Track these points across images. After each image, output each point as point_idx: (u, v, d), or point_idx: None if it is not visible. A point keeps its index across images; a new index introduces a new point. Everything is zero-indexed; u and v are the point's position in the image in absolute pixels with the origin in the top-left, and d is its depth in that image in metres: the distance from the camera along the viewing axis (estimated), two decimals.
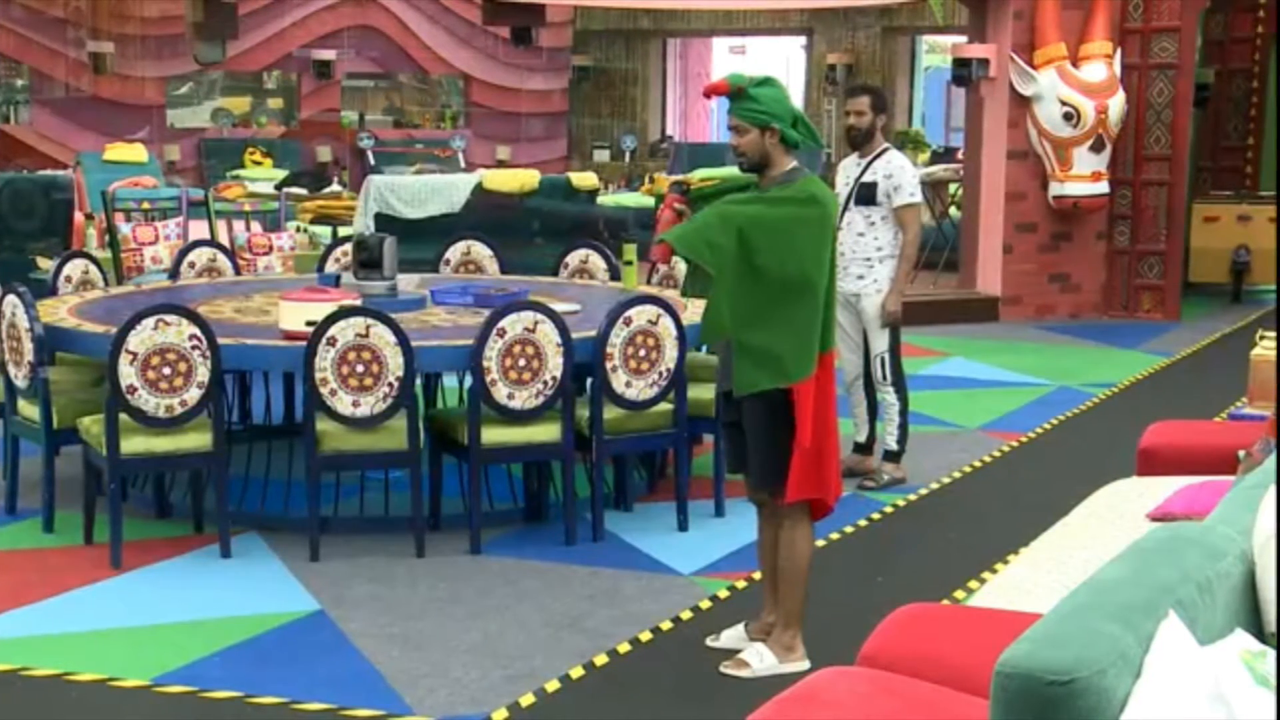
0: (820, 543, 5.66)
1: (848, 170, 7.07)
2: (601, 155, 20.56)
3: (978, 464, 7.54)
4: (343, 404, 5.72)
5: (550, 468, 6.37)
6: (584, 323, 6.23)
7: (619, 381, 6.03)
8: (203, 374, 5.71)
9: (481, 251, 8.12)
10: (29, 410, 6.23)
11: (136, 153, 14.86)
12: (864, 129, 6.92)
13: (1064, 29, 11.92)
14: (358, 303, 5.95)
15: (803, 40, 21.00)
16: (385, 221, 11.00)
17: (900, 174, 6.87)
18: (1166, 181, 12.39)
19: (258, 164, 17.95)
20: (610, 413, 6.09)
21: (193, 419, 5.76)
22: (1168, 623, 2.54)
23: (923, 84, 21.36)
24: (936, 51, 22.87)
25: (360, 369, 5.70)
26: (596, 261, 7.96)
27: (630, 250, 7.25)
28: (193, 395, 5.72)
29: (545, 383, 5.90)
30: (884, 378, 7.02)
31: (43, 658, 4.81)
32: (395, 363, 5.72)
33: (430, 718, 4.39)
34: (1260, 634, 2.87)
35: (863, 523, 6.44)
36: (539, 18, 17.46)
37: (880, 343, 6.99)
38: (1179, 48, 12.21)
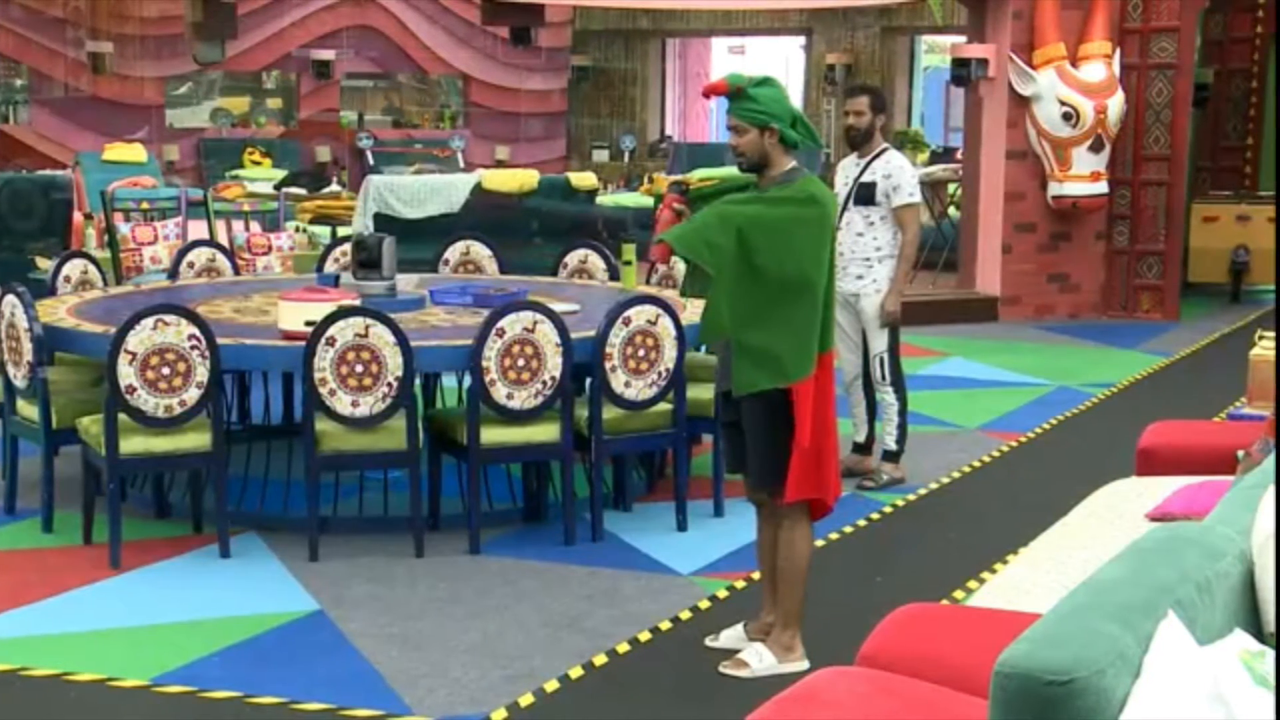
0: (819, 543, 5.66)
1: (847, 170, 7.07)
2: (600, 155, 20.56)
3: (977, 464, 7.54)
4: (342, 404, 5.72)
5: (549, 468, 6.37)
6: (583, 323, 6.23)
7: (618, 381, 6.03)
8: (202, 374, 5.71)
9: (480, 251, 8.12)
10: (28, 410, 6.23)
11: (135, 153, 14.86)
12: (863, 129, 6.92)
13: (1063, 29, 11.92)
14: (357, 303, 5.95)
15: (802, 40, 21.00)
16: (384, 221, 10.99)
17: (899, 174, 6.87)
18: (1165, 181, 12.39)
19: (257, 164, 17.95)
20: (609, 413, 6.09)
21: (192, 419, 5.76)
22: (1167, 623, 2.55)
23: (922, 84, 21.37)
24: (935, 51, 22.88)
25: (359, 369, 5.70)
26: (595, 261, 7.96)
27: (629, 250, 7.25)
28: (192, 395, 5.72)
29: (544, 383, 5.90)
30: (883, 378, 7.03)
31: (42, 658, 4.81)
32: (394, 363, 5.72)
33: (429, 718, 4.39)
34: (1259, 634, 2.87)
35: (862, 523, 6.44)
36: (538, 18, 17.46)
37: (879, 343, 6.99)
38: (1178, 48, 12.21)
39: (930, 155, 16.81)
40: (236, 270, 8.10)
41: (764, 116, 4.58)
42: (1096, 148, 11.90)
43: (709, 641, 4.97)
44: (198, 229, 9.91)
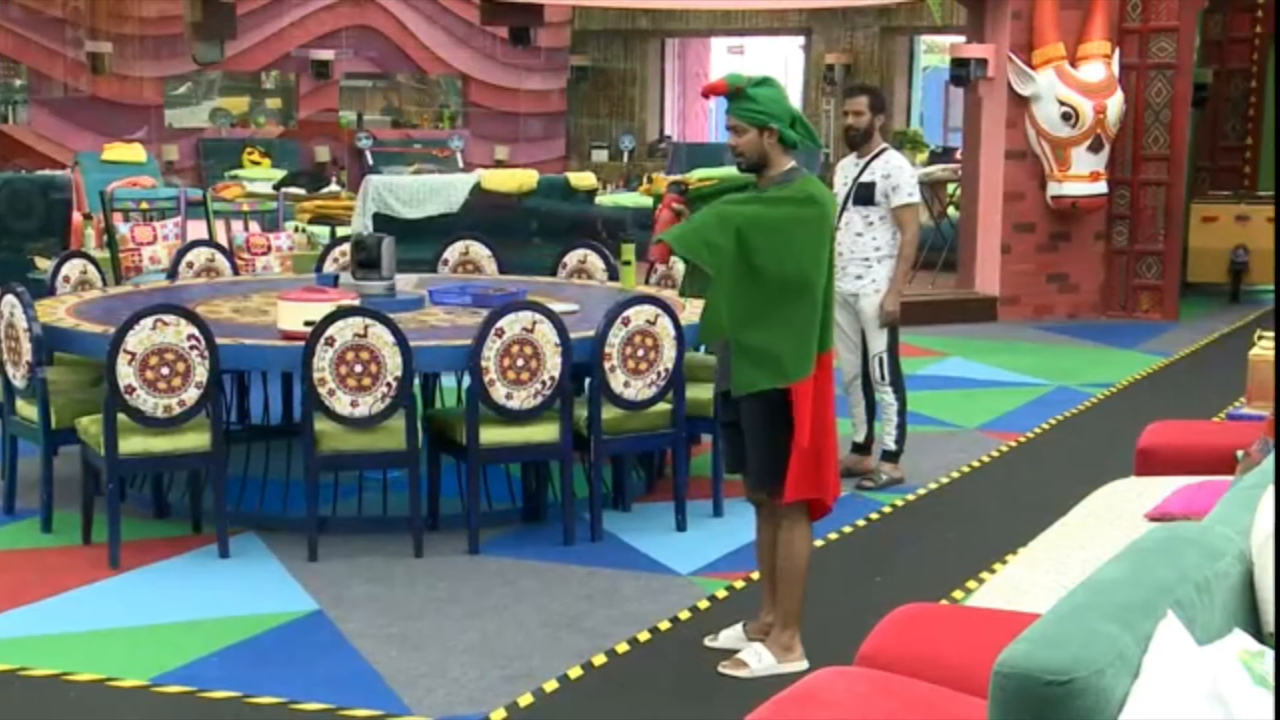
0: (818, 543, 5.66)
1: (846, 170, 7.07)
2: (600, 155, 20.56)
3: (976, 464, 7.54)
4: (341, 404, 5.72)
5: (548, 468, 6.37)
6: (582, 323, 6.23)
7: (617, 381, 6.03)
8: (201, 374, 5.71)
9: (480, 251, 8.12)
10: (27, 410, 6.23)
11: (135, 153, 14.86)
12: (862, 129, 6.92)
13: (1062, 29, 11.92)
14: (356, 303, 5.95)
15: (801, 40, 21.01)
16: (383, 221, 10.99)
17: (898, 174, 6.87)
18: (1165, 181, 12.39)
19: (256, 164, 17.95)
20: (608, 413, 6.09)
21: (191, 419, 5.75)
22: (1166, 623, 2.55)
23: (921, 84, 21.38)
24: (935, 51, 22.89)
25: (358, 369, 5.70)
26: (595, 261, 7.96)
27: (628, 250, 7.25)
28: (191, 395, 5.71)
29: (543, 383, 5.90)
30: (882, 378, 7.03)
31: (41, 658, 4.81)
32: (393, 363, 5.72)
33: (428, 718, 4.39)
34: (1258, 634, 2.87)
35: (861, 523, 6.44)
36: (537, 18, 17.46)
37: (878, 343, 6.99)
38: (1177, 48, 12.21)
39: (929, 155, 16.81)
40: (236, 270, 8.10)
41: (763, 116, 4.58)
42: (1096, 148, 11.90)
43: (708, 641, 4.97)
44: (197, 229, 9.90)
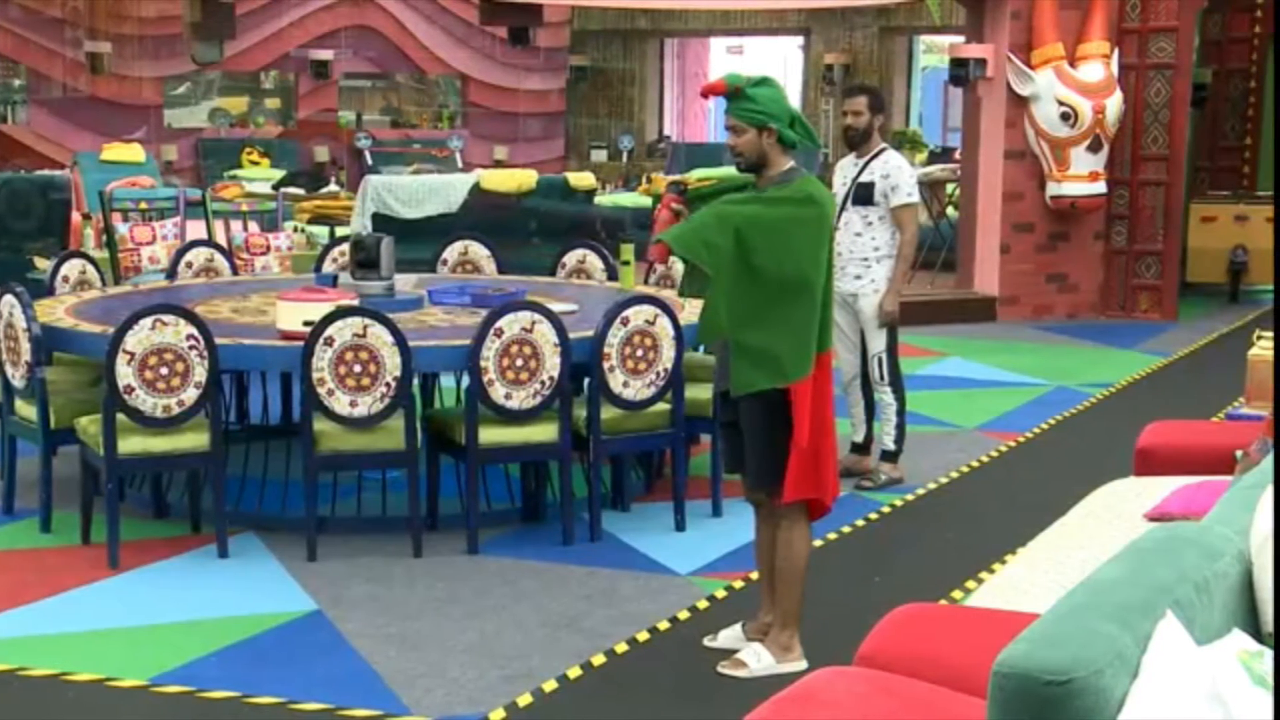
0: (818, 543, 5.66)
1: (845, 170, 7.07)
2: (599, 155, 20.56)
3: (975, 464, 7.54)
4: (340, 404, 5.72)
5: (548, 468, 6.37)
6: (581, 323, 6.23)
7: (616, 381, 6.03)
8: (200, 374, 5.71)
9: (479, 251, 8.12)
10: (26, 410, 6.23)
11: (134, 153, 14.85)
12: (861, 129, 6.92)
13: (1061, 29, 11.92)
14: (355, 303, 5.95)
15: (800, 40, 21.01)
16: (382, 221, 10.98)
17: (898, 174, 6.87)
18: (1164, 181, 12.40)
19: (255, 164, 17.94)
20: (608, 413, 6.09)
21: (190, 419, 5.75)
22: (1165, 623, 2.55)
23: (920, 84, 21.38)
24: (934, 51, 22.90)
25: (357, 369, 5.70)
26: (594, 261, 7.96)
27: (627, 250, 7.25)
28: (190, 395, 5.71)
29: (542, 383, 5.90)
30: (881, 378, 7.03)
31: (40, 658, 4.81)
32: (392, 363, 5.72)
33: (427, 718, 4.39)
34: (1257, 634, 2.87)
35: (860, 523, 6.44)
36: (536, 18, 17.47)
37: (878, 343, 6.99)
38: (1176, 48, 12.22)
39: (928, 155, 16.82)
40: (235, 270, 8.10)
41: (762, 116, 4.58)
42: (1095, 148, 11.91)
43: (707, 641, 4.97)
44: (196, 229, 9.90)
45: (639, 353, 6.04)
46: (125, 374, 5.62)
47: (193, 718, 4.45)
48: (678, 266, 7.32)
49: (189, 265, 7.91)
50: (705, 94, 4.95)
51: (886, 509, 6.70)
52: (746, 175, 4.76)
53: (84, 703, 4.52)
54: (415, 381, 6.10)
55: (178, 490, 6.50)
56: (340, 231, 10.99)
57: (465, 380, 6.08)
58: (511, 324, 5.84)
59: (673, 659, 4.88)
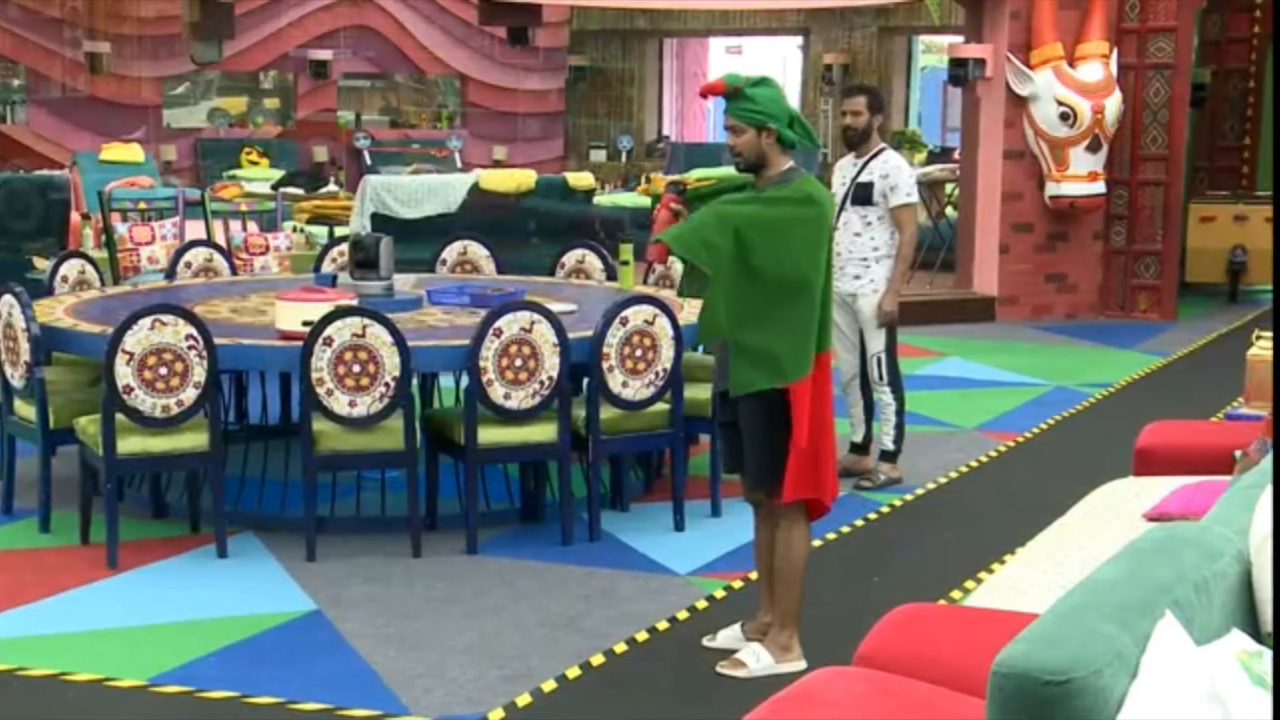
0: (817, 543, 5.66)
1: (844, 170, 7.07)
2: (598, 155, 20.57)
3: (974, 464, 7.54)
4: (339, 404, 5.72)
5: (547, 468, 6.37)
6: (580, 323, 6.23)
7: (615, 381, 6.03)
8: (199, 374, 5.71)
9: (478, 251, 8.12)
10: (25, 410, 6.23)
11: (133, 153, 14.85)
12: (860, 129, 6.92)
13: (1060, 29, 11.93)
14: (354, 303, 5.95)
15: (799, 40, 21.01)
16: (382, 221, 10.99)
17: (897, 174, 6.87)
18: (1163, 181, 12.40)
19: (254, 164, 17.94)
20: (607, 413, 6.09)
21: (189, 419, 5.75)
22: (1164, 623, 2.55)
23: (919, 84, 21.39)
24: (933, 51, 22.90)
25: (356, 369, 5.70)
26: (593, 261, 7.97)
27: (627, 250, 7.25)
28: (189, 395, 5.71)
29: (542, 383, 5.90)
30: (880, 378, 7.03)
31: (39, 658, 4.81)
32: (391, 363, 5.72)
33: (426, 718, 4.39)
34: (1257, 634, 2.87)
35: (859, 523, 6.44)
36: (535, 18, 17.46)
37: (877, 343, 6.99)
38: (1175, 48, 12.22)
39: (928, 155, 16.82)
40: (234, 270, 8.10)
41: (761, 116, 4.58)
42: (1094, 148, 11.91)
43: (706, 642, 4.97)
44: (195, 229, 9.90)
45: (638, 353, 6.04)
46: (124, 374, 5.62)
47: (192, 718, 4.45)
48: (677, 266, 7.31)
49: (188, 265, 7.91)
50: (704, 94, 4.95)
51: (885, 509, 6.70)
52: (746, 175, 4.76)
53: (83, 703, 4.52)
54: (414, 381, 6.10)
55: (177, 490, 6.50)
56: (339, 231, 10.99)
57: (464, 380, 6.08)
58: (510, 324, 5.84)
59: (672, 659, 4.88)
